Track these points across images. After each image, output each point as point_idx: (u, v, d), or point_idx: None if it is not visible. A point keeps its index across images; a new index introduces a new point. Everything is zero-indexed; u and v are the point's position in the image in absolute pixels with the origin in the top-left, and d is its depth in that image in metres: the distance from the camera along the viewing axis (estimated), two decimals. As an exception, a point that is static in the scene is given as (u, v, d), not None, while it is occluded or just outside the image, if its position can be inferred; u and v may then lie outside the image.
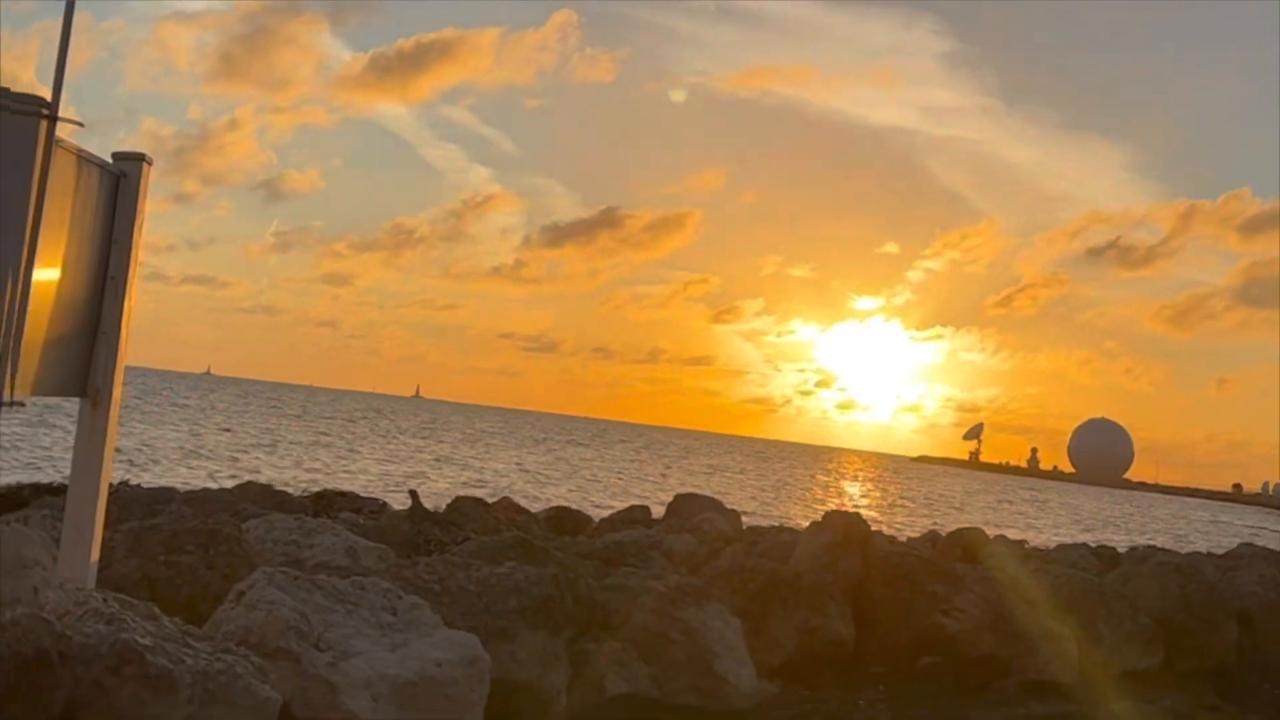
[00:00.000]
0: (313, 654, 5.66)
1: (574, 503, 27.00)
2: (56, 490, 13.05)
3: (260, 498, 13.35)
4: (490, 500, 15.48)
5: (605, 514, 17.72)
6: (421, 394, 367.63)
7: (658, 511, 17.78)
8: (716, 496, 18.85)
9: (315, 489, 19.44)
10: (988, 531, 16.27)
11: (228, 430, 67.43)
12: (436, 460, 61.76)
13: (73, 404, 6.18)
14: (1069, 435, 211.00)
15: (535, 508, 17.74)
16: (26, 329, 5.13)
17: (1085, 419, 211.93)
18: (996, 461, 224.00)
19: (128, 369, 6.25)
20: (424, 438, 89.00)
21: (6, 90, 5.12)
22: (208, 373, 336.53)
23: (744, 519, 17.02)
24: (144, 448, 45.88)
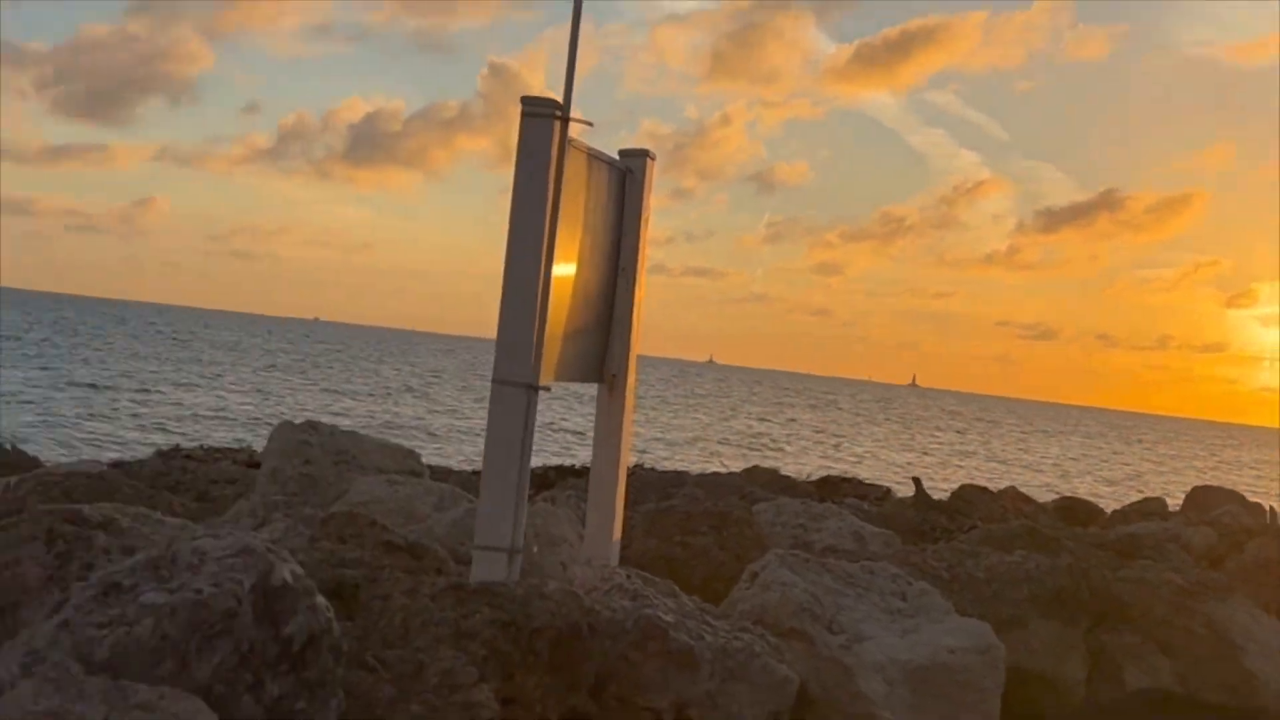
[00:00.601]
0: (826, 636, 5.68)
1: (1083, 494, 26.13)
2: (579, 473, 13.72)
3: (768, 482, 13.59)
4: (994, 489, 15.16)
5: (1117, 506, 17.03)
6: (917, 382, 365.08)
7: (1174, 504, 16.97)
8: (1238, 489, 17.76)
9: (820, 475, 19.67)
10: None
11: (754, 420, 69.76)
12: (947, 450, 61.46)
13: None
14: None
15: (1042, 498, 17.27)
16: (549, 320, 5.41)
17: None
18: None
19: (640, 358, 6.48)
20: (936, 429, 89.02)
21: (527, 96, 5.43)
22: (710, 361, 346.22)
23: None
24: (665, 435, 48.00)
